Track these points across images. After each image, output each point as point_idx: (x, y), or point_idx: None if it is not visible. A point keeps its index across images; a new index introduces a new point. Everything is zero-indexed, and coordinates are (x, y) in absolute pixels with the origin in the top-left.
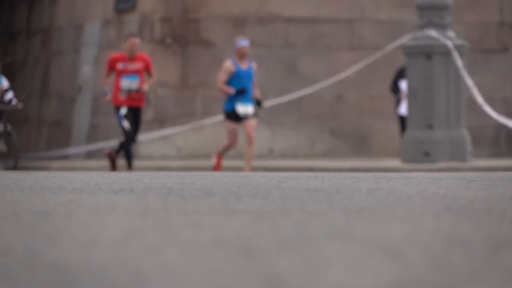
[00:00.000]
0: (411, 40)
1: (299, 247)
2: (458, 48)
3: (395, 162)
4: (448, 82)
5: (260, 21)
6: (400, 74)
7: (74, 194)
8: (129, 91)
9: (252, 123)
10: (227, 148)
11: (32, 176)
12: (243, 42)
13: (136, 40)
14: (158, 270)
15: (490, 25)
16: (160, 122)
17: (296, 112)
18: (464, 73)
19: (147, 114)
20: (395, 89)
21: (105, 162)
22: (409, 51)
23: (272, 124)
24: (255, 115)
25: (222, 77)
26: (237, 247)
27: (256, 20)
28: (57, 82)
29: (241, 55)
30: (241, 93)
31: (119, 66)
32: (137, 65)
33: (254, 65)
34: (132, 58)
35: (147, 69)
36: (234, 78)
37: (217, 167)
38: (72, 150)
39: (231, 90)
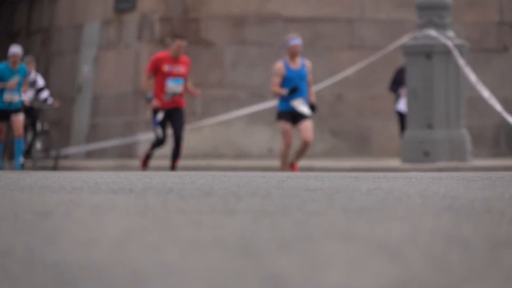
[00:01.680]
0: (411, 40)
1: (299, 247)
2: (458, 48)
3: (395, 162)
4: (448, 82)
5: (260, 21)
6: (400, 74)
7: (73, 193)
8: (174, 95)
9: (308, 125)
10: (285, 152)
11: (32, 176)
12: (295, 41)
13: (184, 43)
14: (158, 270)
15: (490, 25)
16: None
17: None
18: (467, 70)
19: (147, 114)
20: (394, 88)
21: (105, 162)
22: (409, 51)
23: (272, 124)
24: (310, 116)
25: (276, 80)
26: (237, 246)
27: (256, 20)
28: (57, 82)
29: (293, 54)
30: (294, 92)
31: (165, 68)
32: (181, 68)
33: (307, 63)
34: (177, 60)
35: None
36: (285, 81)
37: (295, 170)
38: (72, 150)
39: (284, 91)
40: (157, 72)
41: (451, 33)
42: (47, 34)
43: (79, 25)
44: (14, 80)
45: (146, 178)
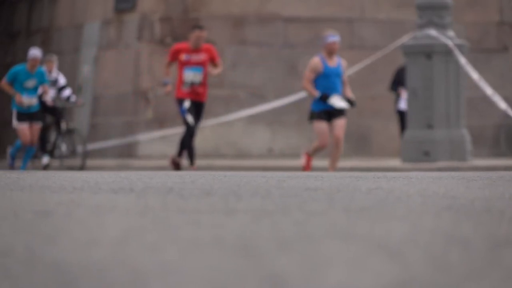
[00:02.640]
0: (411, 40)
1: (299, 247)
2: (458, 48)
3: (395, 162)
4: (448, 82)
5: (260, 21)
6: (400, 73)
7: (74, 193)
8: (192, 84)
9: (341, 123)
10: (317, 149)
11: (32, 175)
12: (333, 38)
13: (203, 33)
14: (158, 269)
15: (490, 25)
16: (160, 122)
17: (296, 112)
18: (468, 69)
19: (147, 114)
20: (394, 88)
21: (105, 162)
22: (409, 51)
23: (272, 124)
24: (344, 113)
25: (309, 75)
26: (237, 246)
27: (256, 20)
28: None
29: (330, 51)
30: (324, 100)
31: (183, 57)
32: (201, 57)
33: (343, 62)
34: (197, 50)
35: (211, 60)
36: (322, 77)
37: (307, 168)
38: None
39: (316, 94)
40: (177, 62)
41: (451, 33)
42: (47, 34)
43: (79, 25)
44: (29, 84)
45: (146, 178)
